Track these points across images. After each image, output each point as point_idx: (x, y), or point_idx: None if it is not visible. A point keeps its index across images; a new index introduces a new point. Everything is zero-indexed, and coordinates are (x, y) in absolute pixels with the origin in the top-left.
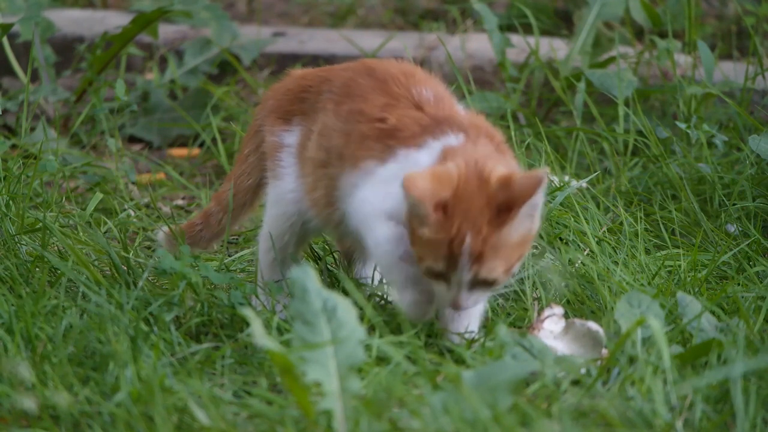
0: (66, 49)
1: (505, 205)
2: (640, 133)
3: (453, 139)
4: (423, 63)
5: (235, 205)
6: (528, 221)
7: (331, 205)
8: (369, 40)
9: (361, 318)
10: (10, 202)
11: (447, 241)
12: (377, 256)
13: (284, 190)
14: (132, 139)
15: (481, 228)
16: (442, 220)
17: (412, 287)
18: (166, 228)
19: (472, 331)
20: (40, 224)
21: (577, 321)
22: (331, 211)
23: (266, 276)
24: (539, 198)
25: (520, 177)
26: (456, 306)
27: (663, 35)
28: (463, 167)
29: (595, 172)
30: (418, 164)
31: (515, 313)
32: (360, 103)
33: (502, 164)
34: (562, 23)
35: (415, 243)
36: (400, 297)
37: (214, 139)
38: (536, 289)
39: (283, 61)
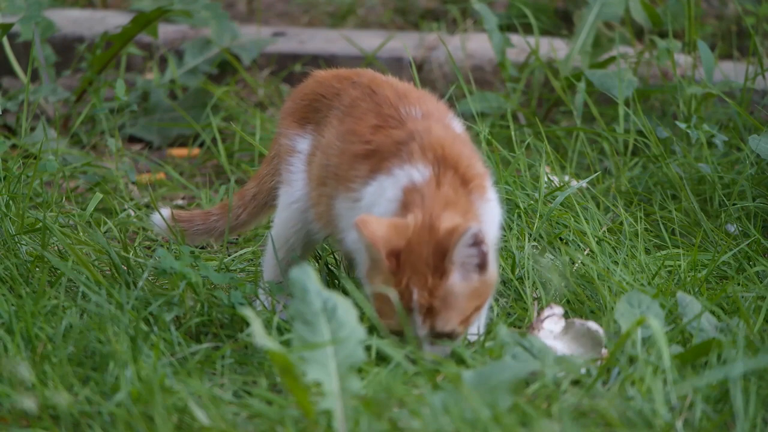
0: (66, 49)
1: (440, 257)
2: (640, 133)
3: (417, 174)
4: (423, 63)
5: (255, 205)
6: (475, 269)
7: (332, 223)
8: (369, 40)
9: (362, 318)
10: (10, 201)
11: (397, 293)
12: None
13: (291, 199)
14: (132, 139)
15: (426, 281)
16: (394, 270)
17: None
18: (165, 213)
19: (474, 334)
20: (40, 224)
21: (577, 321)
22: (332, 227)
23: (268, 275)
24: (467, 249)
25: (450, 230)
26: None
27: (663, 35)
28: (419, 219)
29: (595, 171)
30: (384, 194)
31: (515, 313)
32: (354, 124)
33: (459, 211)
34: (562, 23)
35: (374, 299)
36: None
37: (214, 139)
38: (536, 289)
39: (283, 61)
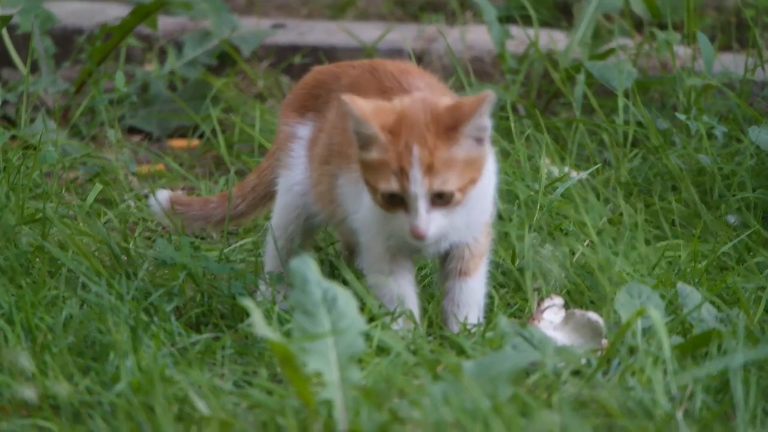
0: (65, 41)
1: (451, 123)
2: (639, 124)
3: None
4: (422, 55)
5: (254, 196)
6: (475, 144)
7: (333, 202)
8: (368, 31)
9: (362, 308)
10: (10, 192)
11: (396, 156)
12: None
13: (292, 182)
14: (132, 130)
15: (427, 141)
16: (390, 138)
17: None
18: (164, 196)
19: (472, 324)
20: (40, 215)
21: (577, 311)
22: (333, 207)
23: (269, 266)
24: (485, 119)
25: (466, 100)
26: (416, 232)
27: (662, 27)
28: (407, 101)
29: (595, 163)
30: None
31: (516, 303)
32: None
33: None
34: (561, 15)
35: (366, 172)
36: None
37: (213, 131)
38: (536, 279)
39: (283, 53)
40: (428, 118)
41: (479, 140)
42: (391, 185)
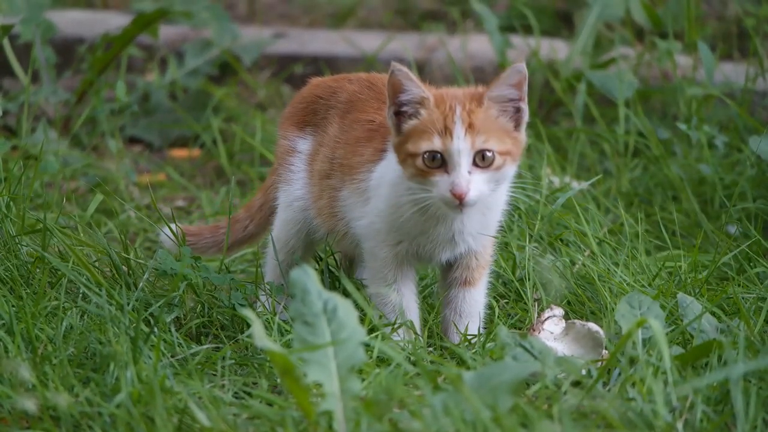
0: (67, 50)
1: (481, 91)
2: (640, 134)
3: None
4: (424, 64)
5: (262, 215)
6: (504, 115)
7: (335, 216)
8: (369, 41)
9: (362, 319)
10: (11, 203)
11: (441, 116)
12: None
13: (292, 197)
14: (132, 140)
15: (466, 105)
16: (436, 101)
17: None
18: (168, 231)
19: (473, 334)
20: (41, 225)
21: (578, 322)
22: (335, 221)
23: (269, 276)
24: (506, 89)
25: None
26: (456, 190)
27: (663, 36)
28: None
29: (596, 173)
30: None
31: (516, 314)
32: (358, 113)
33: None
34: (562, 24)
35: (407, 143)
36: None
37: (214, 140)
38: (537, 290)
39: (284, 62)
40: (465, 92)
41: (505, 111)
42: (434, 144)
